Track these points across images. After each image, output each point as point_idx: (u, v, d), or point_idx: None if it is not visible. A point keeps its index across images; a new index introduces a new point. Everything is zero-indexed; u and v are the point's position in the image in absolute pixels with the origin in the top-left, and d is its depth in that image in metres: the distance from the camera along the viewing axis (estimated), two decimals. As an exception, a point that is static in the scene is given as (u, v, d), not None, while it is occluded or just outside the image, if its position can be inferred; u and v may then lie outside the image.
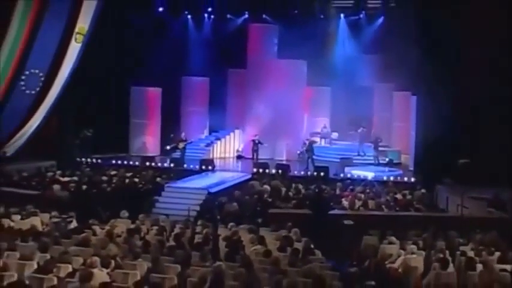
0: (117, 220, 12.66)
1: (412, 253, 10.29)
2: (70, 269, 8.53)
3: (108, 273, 8.30)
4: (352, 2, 25.62)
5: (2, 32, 19.66)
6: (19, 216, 12.69)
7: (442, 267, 9.32)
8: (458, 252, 10.38)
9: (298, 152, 23.40)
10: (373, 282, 8.99)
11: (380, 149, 23.74)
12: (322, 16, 25.86)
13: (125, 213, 13.28)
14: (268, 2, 25.14)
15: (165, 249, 10.05)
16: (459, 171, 16.38)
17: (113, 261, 8.77)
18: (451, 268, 9.53)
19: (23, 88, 20.54)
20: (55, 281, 8.02)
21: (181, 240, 10.85)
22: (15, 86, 20.31)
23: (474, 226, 12.66)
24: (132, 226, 11.99)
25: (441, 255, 9.82)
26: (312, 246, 10.85)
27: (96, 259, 8.32)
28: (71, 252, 9.28)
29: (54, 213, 13.30)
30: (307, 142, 22.82)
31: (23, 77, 20.41)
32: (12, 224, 12.08)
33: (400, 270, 10.04)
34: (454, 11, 17.47)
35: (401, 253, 10.54)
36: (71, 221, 12.50)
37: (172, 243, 10.59)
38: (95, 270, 7.93)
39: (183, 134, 23.45)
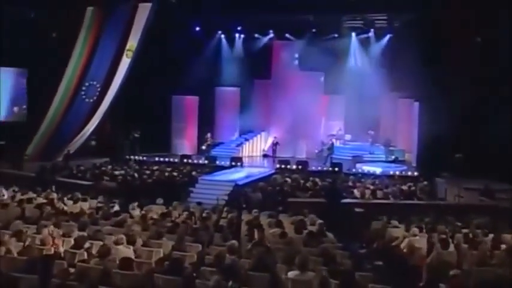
0: (153, 206, 12.11)
1: (415, 235, 9.50)
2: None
3: (134, 250, 7.63)
4: (361, 22, 24.61)
5: (68, 52, 20.23)
6: (71, 201, 12.32)
7: (443, 247, 8.62)
8: (459, 235, 9.61)
9: (316, 150, 22.71)
10: (380, 263, 8.36)
11: (389, 148, 22.94)
12: (336, 35, 24.91)
13: (160, 200, 12.80)
14: (290, 22, 24.18)
15: (189, 230, 9.39)
16: (455, 166, 16.56)
17: (140, 240, 8.08)
18: (451, 248, 8.79)
19: (83, 97, 20.59)
20: (85, 256, 7.37)
21: (207, 223, 10.19)
22: (77, 95, 20.51)
23: (468, 212, 12.53)
24: (165, 211, 11.41)
25: (443, 237, 9.05)
26: (325, 228, 10.09)
27: (122, 237, 7.66)
28: (104, 231, 8.66)
29: (100, 199, 12.95)
30: (330, 142, 22.30)
31: (84, 88, 20.51)
32: (65, 207, 11.71)
33: (405, 250, 9.26)
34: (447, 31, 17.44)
35: (406, 235, 9.76)
36: (113, 206, 11.97)
37: (198, 225, 9.93)
38: (120, 247, 7.27)
39: (208, 135, 22.95)
